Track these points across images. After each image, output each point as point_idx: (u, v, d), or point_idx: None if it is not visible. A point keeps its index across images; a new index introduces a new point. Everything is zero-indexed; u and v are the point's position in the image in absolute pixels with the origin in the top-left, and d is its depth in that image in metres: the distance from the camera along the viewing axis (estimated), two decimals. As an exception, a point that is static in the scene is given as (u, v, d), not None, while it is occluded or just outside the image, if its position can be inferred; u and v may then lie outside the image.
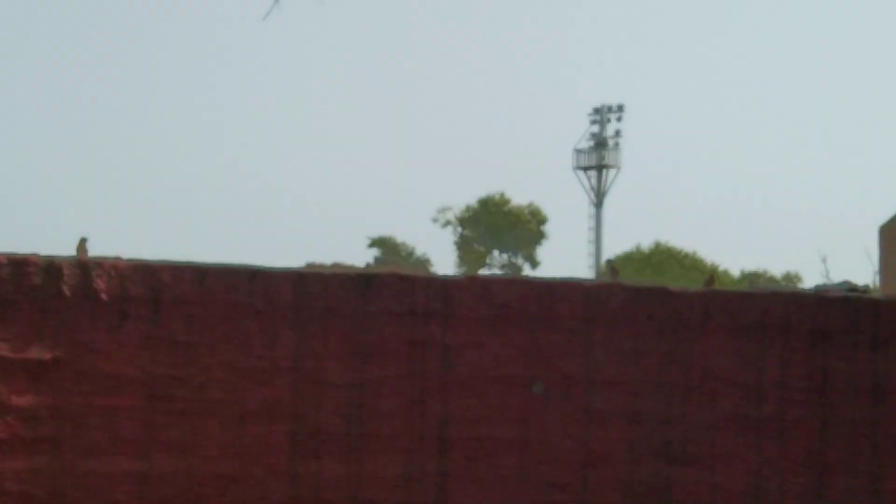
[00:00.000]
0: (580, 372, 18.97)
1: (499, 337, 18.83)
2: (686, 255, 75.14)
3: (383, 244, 73.62)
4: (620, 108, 77.50)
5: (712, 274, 20.96)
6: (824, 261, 19.99)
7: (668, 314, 19.28)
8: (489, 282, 19.00)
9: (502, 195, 79.51)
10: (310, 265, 18.62)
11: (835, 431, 19.38)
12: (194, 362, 18.14)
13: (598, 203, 76.29)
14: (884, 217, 26.41)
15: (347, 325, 18.50)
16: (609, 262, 21.19)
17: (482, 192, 79.86)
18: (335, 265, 18.31)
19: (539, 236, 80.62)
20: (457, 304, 18.79)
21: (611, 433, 18.93)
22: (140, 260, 18.12)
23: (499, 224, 79.43)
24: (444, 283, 18.82)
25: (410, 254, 74.55)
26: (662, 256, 73.57)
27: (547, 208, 79.95)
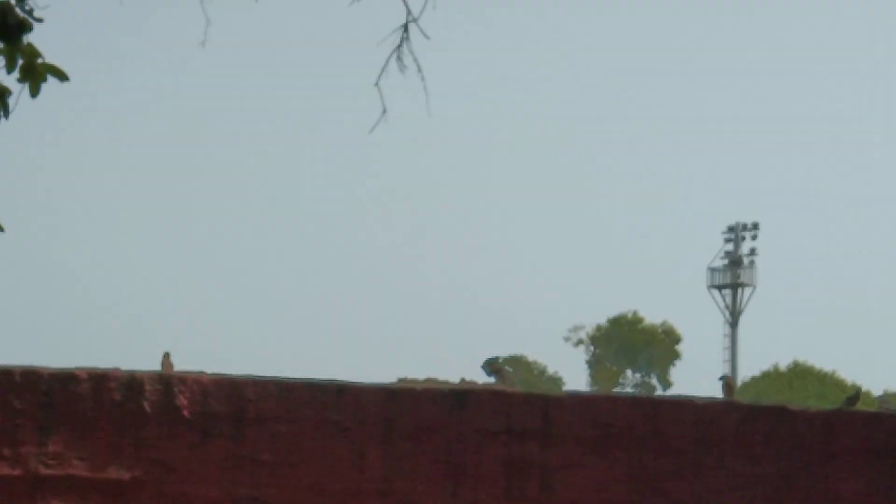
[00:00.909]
0: (691, 499, 17.39)
1: (602, 459, 17.40)
2: (826, 375, 72.55)
3: (516, 363, 72.37)
4: (755, 226, 75.75)
5: (858, 392, 19.25)
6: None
7: (788, 436, 17.66)
8: (592, 399, 17.64)
9: (635, 313, 77.96)
10: (401, 380, 17.40)
11: (974, 567, 17.47)
12: (278, 483, 17.02)
13: (734, 322, 74.35)
14: None
15: (440, 445, 17.25)
16: (723, 378, 19.69)
17: (615, 311, 78.43)
18: (428, 381, 17.07)
19: (673, 356, 78.77)
20: (557, 423, 17.43)
21: (726, 565, 17.28)
22: (223, 375, 17.15)
23: (632, 343, 77.81)
24: (544, 400, 17.51)
25: (542, 372, 73.14)
26: (801, 376, 71.08)
27: (681, 327, 78.17)
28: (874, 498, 17.60)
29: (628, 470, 17.39)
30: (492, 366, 17.89)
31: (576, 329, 77.71)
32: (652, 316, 78.19)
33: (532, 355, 72.59)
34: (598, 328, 77.25)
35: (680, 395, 17.94)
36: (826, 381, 68.92)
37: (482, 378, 18.37)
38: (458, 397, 17.32)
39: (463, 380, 17.76)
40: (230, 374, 17.15)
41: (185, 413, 16.95)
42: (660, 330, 77.32)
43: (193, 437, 16.95)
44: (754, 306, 78.87)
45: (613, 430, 17.45)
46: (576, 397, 17.62)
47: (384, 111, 15.59)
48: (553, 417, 17.44)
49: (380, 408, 17.23)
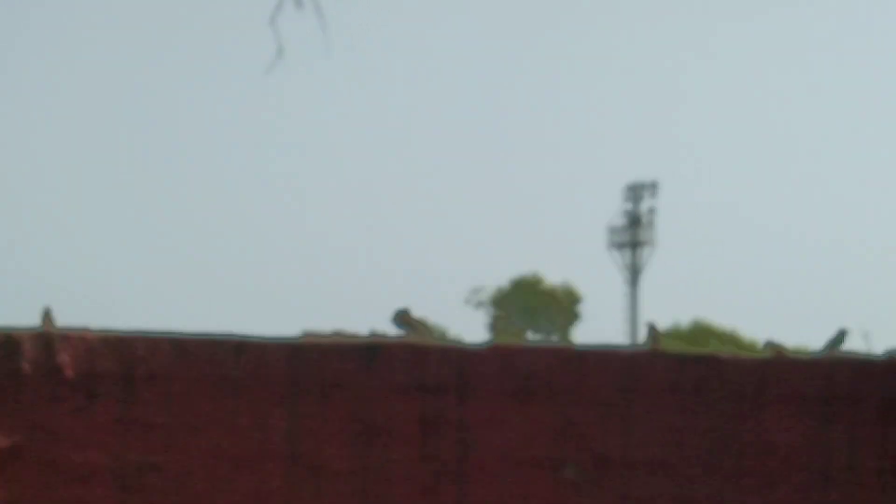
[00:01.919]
0: (617, 453, 16.04)
1: (524, 414, 15.95)
2: (726, 333, 72.30)
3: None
4: (654, 185, 75.19)
5: (843, 332, 17.96)
6: (866, 337, 17.46)
7: (719, 385, 16.36)
8: (512, 351, 16.16)
9: (535, 275, 77.19)
10: (307, 334, 15.78)
11: (914, 518, 16.33)
12: (173, 448, 15.35)
13: (633, 281, 73.79)
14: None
15: (349, 403, 15.68)
16: (650, 326, 18.32)
17: (515, 273, 77.58)
18: (336, 334, 15.48)
19: (574, 316, 78.07)
20: (475, 377, 15.95)
21: (655, 523, 15.98)
22: (110, 331, 15.41)
23: (532, 304, 76.95)
24: (461, 353, 16.00)
25: (443, 335, 71.91)
26: (702, 334, 70.65)
27: (581, 288, 77.53)
28: (807, 448, 16.39)
29: (552, 424, 15.98)
30: (402, 318, 16.32)
31: (476, 291, 76.69)
32: (552, 277, 77.53)
33: (432, 317, 71.35)
34: (499, 290, 76.26)
35: (605, 344, 16.52)
36: (726, 339, 68.57)
37: (393, 332, 16.79)
38: (369, 352, 15.77)
39: (373, 332, 16.16)
40: (118, 331, 15.41)
41: (69, 373, 15.20)
42: (560, 291, 76.54)
43: (78, 399, 15.21)
44: (654, 265, 78.28)
45: (535, 383, 16.02)
46: (494, 349, 16.12)
47: (280, 50, 13.66)
48: (470, 371, 15.96)
49: (283, 364, 15.61)
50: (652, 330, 17.29)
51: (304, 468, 15.56)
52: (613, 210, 76.18)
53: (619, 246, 76.49)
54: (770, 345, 18.03)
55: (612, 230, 76.58)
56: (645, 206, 76.60)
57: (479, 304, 78.43)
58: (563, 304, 77.45)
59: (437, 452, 15.78)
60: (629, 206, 76.48)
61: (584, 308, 78.29)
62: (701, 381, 16.32)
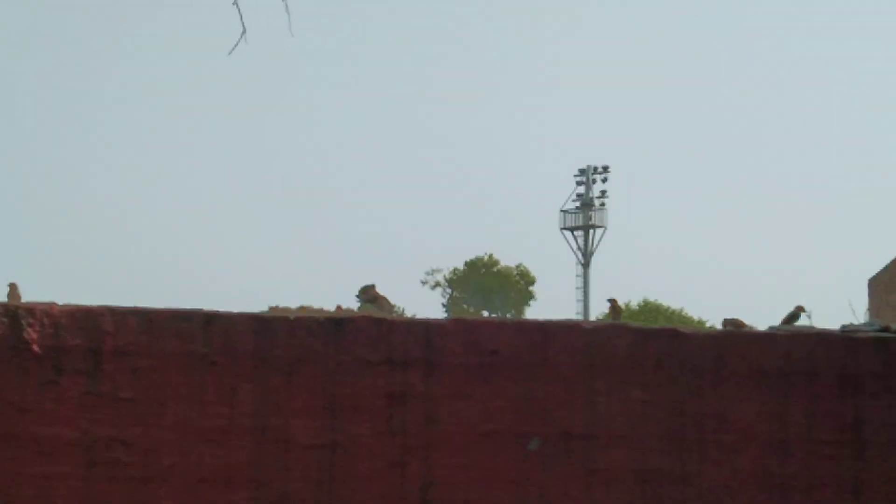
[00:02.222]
0: (582, 427, 16.17)
1: (488, 387, 16.05)
2: (674, 312, 72.87)
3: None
4: (606, 169, 75.85)
5: (798, 309, 18.12)
6: (809, 315, 17.71)
7: (680, 359, 16.52)
8: (476, 325, 16.23)
9: (490, 256, 77.57)
10: (273, 309, 15.79)
11: (870, 489, 16.55)
12: (141, 422, 15.32)
13: (586, 263, 74.35)
14: (871, 270, 24.28)
15: (317, 377, 15.71)
16: (611, 300, 18.47)
17: (471, 254, 77.88)
18: (302, 308, 15.50)
19: (528, 297, 78.50)
20: (440, 352, 16.02)
21: (617, 495, 16.12)
22: (77, 305, 15.35)
23: (488, 285, 77.30)
24: (426, 327, 16.05)
25: (400, 314, 72.08)
26: (651, 314, 71.14)
27: (535, 269, 77.98)
28: (765, 423, 16.58)
29: (516, 398, 16.08)
30: (367, 293, 16.37)
31: (433, 272, 77.02)
32: (507, 258, 77.93)
33: (389, 298, 71.48)
34: (455, 271, 76.59)
35: (568, 319, 16.61)
36: (674, 318, 69.08)
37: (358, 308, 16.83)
38: (335, 326, 15.79)
39: (339, 307, 16.19)
40: (85, 305, 15.35)
41: (35, 348, 15.14)
42: (515, 272, 76.91)
43: (45, 373, 15.15)
44: (605, 247, 78.80)
45: (499, 357, 16.11)
46: (460, 323, 16.18)
47: (244, 31, 13.58)
48: (436, 345, 16.02)
49: (251, 338, 15.62)
50: (612, 303, 17.43)
51: (272, 442, 15.58)
52: (566, 193, 76.65)
53: (572, 228, 77.07)
54: (729, 321, 18.22)
55: (565, 213, 77.17)
56: (596, 189, 77.15)
57: (436, 285, 78.74)
58: (518, 285, 77.87)
59: (404, 426, 15.84)
60: (581, 189, 77.07)
61: (538, 289, 78.72)
62: (662, 356, 16.46)
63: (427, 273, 75.90)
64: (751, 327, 17.49)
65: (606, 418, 16.22)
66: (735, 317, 18.57)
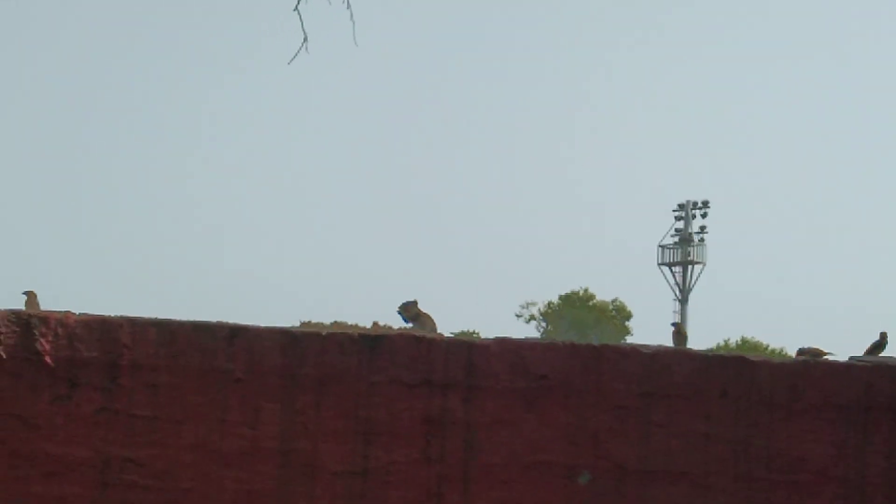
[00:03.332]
0: (635, 460, 14.49)
1: (535, 415, 14.45)
2: (774, 351, 70.35)
3: (466, 339, 69.87)
4: (706, 204, 73.88)
5: (884, 336, 16.32)
6: None
7: (748, 390, 14.76)
8: (524, 347, 14.64)
9: (586, 290, 75.71)
10: (304, 324, 14.36)
11: (959, 539, 14.61)
12: (158, 442, 13.98)
13: (683, 299, 72.28)
14: None
15: (349, 398, 14.24)
16: (674, 324, 16.73)
17: (566, 288, 76.15)
18: (335, 324, 14.05)
19: (624, 332, 76.40)
20: (483, 375, 14.46)
21: (676, 537, 14.39)
22: (94, 315, 14.09)
23: (583, 319, 75.43)
24: (468, 347, 14.51)
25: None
26: (750, 352, 68.69)
27: (631, 304, 75.99)
28: (842, 460, 14.74)
29: (565, 427, 14.45)
30: (408, 310, 14.88)
31: (528, 305, 75.24)
32: (603, 293, 76.06)
33: (484, 331, 69.85)
34: (550, 304, 74.80)
35: (624, 343, 14.94)
36: (775, 357, 66.50)
37: (398, 324, 15.36)
38: (370, 343, 14.32)
39: (376, 324, 14.73)
40: (102, 315, 14.08)
41: (48, 360, 13.89)
42: (611, 307, 74.91)
43: (58, 388, 13.88)
44: (704, 283, 76.62)
45: (548, 382, 14.51)
46: (505, 343, 14.61)
47: (305, 39, 12.08)
48: (479, 367, 14.47)
49: (278, 355, 14.21)
50: (677, 327, 15.76)
51: (298, 468, 14.14)
52: (665, 228, 74.85)
53: (670, 264, 75.17)
54: (806, 350, 16.41)
55: (663, 248, 75.37)
56: (696, 224, 75.22)
57: (531, 318, 77.08)
58: (614, 320, 75.91)
59: (442, 454, 14.32)
60: (680, 224, 75.21)
61: (634, 324, 76.63)
62: (728, 385, 14.74)
63: (522, 306, 74.29)
64: (830, 356, 15.67)
65: (665, 452, 14.52)
66: (815, 346, 16.74)
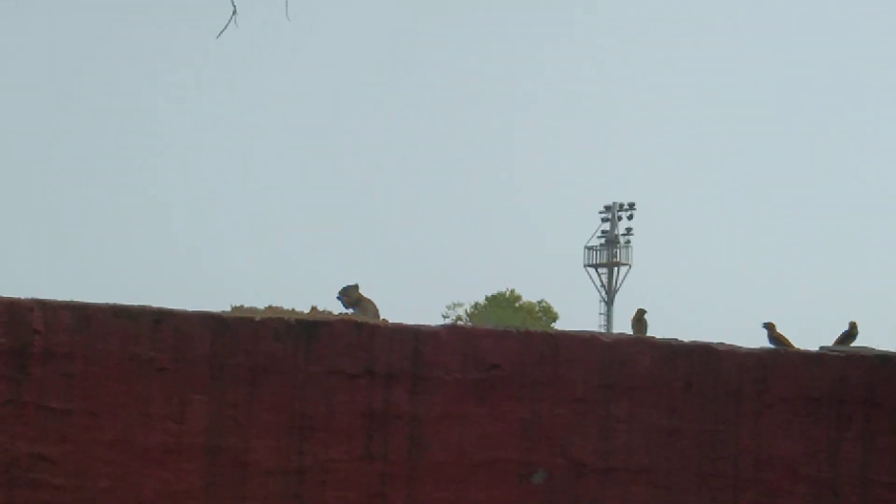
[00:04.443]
0: (595, 457, 13.22)
1: (487, 409, 13.12)
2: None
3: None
4: (632, 206, 73.37)
5: (853, 326, 15.19)
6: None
7: (714, 382, 13.56)
8: (475, 334, 13.32)
9: (512, 292, 74.87)
10: (236, 309, 12.93)
11: (936, 541, 13.51)
12: (73, 438, 12.45)
13: (609, 300, 71.70)
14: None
15: (284, 391, 12.82)
16: (640, 311, 15.49)
17: (492, 289, 75.21)
18: (270, 309, 12.63)
19: (550, 333, 75.35)
20: (431, 365, 13.11)
21: (636, 540, 13.15)
22: (1, 297, 12.54)
23: (509, 320, 74.30)
24: (415, 334, 13.15)
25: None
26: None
27: (558, 305, 75.19)
28: (814, 457, 13.59)
29: (519, 422, 13.14)
30: (349, 294, 13.49)
31: (454, 306, 74.23)
32: (529, 294, 75.32)
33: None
34: (476, 305, 73.82)
35: (584, 331, 13.68)
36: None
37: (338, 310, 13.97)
38: (308, 330, 12.90)
39: (314, 309, 13.32)
40: (10, 297, 12.54)
41: (-50, 346, 12.32)
42: (537, 308, 74.09)
43: (-40, 377, 12.33)
44: (629, 285, 76.13)
45: (501, 373, 13.19)
46: (455, 331, 13.27)
47: (234, 12, 11.46)
48: (426, 357, 13.11)
49: (207, 342, 12.74)
50: (769, 327, 14.45)
51: (228, 466, 12.68)
52: (591, 230, 74.40)
53: (596, 265, 74.68)
54: (769, 324, 15.28)
55: (590, 249, 74.88)
56: (622, 226, 74.87)
57: (457, 319, 76.10)
58: (540, 321, 75.04)
59: (385, 451, 12.93)
60: (606, 226, 74.80)
61: (560, 326, 75.84)
62: (693, 377, 13.52)
63: (448, 307, 73.23)
64: (795, 348, 14.54)
65: (625, 448, 13.26)
66: (772, 320, 15.55)
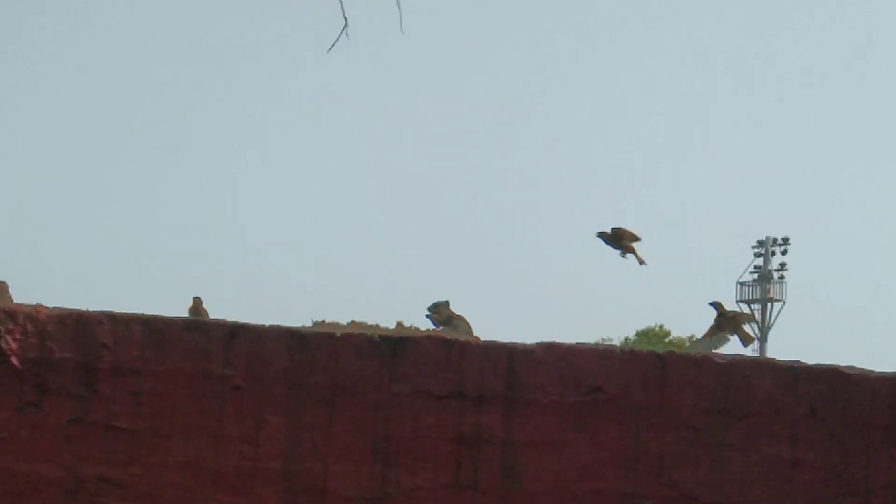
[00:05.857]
0: (706, 490, 11.85)
1: (587, 435, 11.86)
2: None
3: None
4: (786, 241, 71.24)
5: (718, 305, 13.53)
6: None
7: (843, 408, 12.05)
8: (574, 353, 12.06)
9: (661, 327, 73.00)
10: (317, 324, 11.92)
11: None
12: (141, 460, 11.60)
13: (763, 337, 69.47)
14: None
15: (365, 411, 11.76)
16: (714, 304, 13.56)
17: (642, 324, 73.55)
18: (353, 324, 11.58)
19: (701, 370, 73.48)
20: (526, 386, 11.90)
21: (755, 583, 11.71)
22: (69, 309, 11.75)
23: (659, 356, 72.62)
24: (509, 353, 11.95)
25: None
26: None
27: (709, 342, 73.03)
28: (957, 495, 11.96)
29: (622, 450, 11.85)
30: (439, 311, 12.36)
31: (604, 341, 72.79)
32: (679, 329, 73.39)
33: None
34: (626, 340, 72.24)
35: (694, 352, 12.30)
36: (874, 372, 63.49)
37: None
38: (392, 347, 11.82)
39: (400, 324, 12.24)
40: (79, 309, 11.74)
41: (14, 361, 11.57)
42: (687, 343, 72.21)
43: (24, 393, 11.57)
44: (783, 321, 73.87)
45: (603, 396, 11.92)
46: (552, 349, 12.03)
47: (346, 24, 10.54)
48: (521, 377, 11.92)
49: (284, 359, 11.77)
50: (719, 309, 12.84)
51: (305, 492, 11.71)
52: (744, 265, 72.42)
53: (749, 301, 72.55)
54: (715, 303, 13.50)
55: (742, 285, 72.84)
56: (775, 261, 72.79)
57: (605, 356, 74.63)
58: (690, 358, 73.11)
59: (476, 480, 11.77)
60: (759, 261, 72.81)
61: (711, 362, 73.82)
62: (818, 402, 12.03)
63: (597, 342, 71.92)
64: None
65: (740, 481, 11.86)
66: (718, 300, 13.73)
